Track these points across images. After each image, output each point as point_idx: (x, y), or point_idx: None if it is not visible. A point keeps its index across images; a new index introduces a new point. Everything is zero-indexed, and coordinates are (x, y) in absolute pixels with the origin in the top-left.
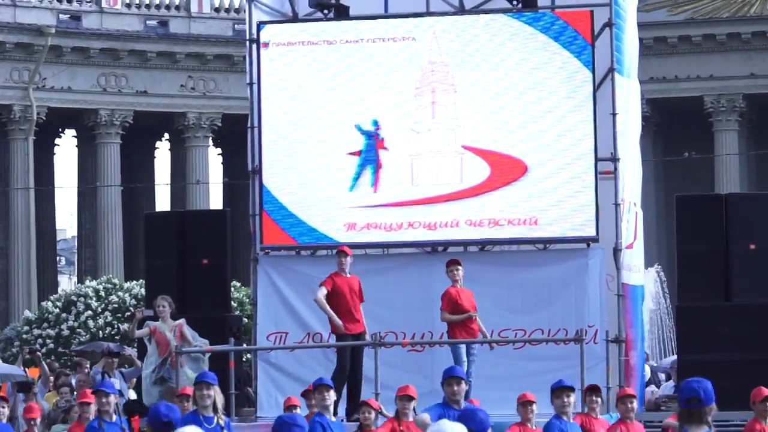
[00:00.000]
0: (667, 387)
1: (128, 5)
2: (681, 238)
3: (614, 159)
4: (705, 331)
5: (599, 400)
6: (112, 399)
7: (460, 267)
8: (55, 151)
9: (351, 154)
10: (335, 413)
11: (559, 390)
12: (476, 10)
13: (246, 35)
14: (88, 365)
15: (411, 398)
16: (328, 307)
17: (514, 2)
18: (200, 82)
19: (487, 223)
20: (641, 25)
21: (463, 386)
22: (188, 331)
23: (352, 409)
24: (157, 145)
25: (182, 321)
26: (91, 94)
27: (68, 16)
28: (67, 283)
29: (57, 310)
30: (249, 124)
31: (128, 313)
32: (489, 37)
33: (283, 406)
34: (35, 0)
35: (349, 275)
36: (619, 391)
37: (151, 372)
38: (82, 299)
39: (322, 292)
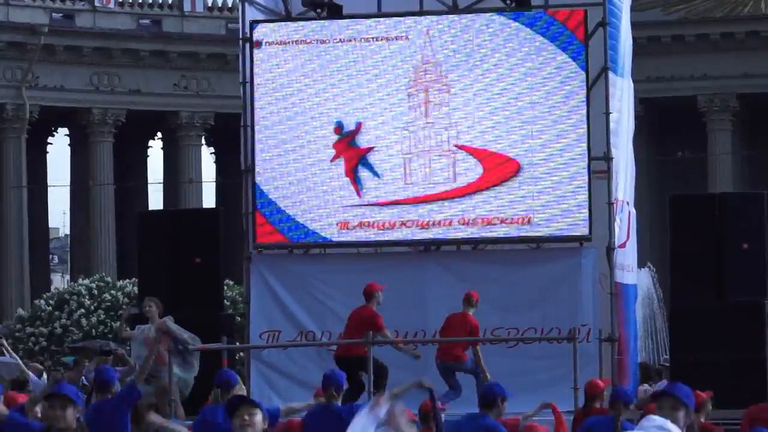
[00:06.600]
0: (660, 386)
1: (121, 4)
2: (674, 238)
3: (607, 158)
4: (698, 330)
5: None
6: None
7: None
8: (48, 150)
9: (344, 152)
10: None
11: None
12: (469, 9)
13: (239, 34)
14: (86, 363)
15: None
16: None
17: (508, 1)
18: (193, 81)
19: (480, 222)
20: (635, 25)
21: None
22: (173, 326)
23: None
24: (150, 144)
25: (166, 318)
26: (83, 93)
27: (61, 15)
28: (60, 281)
29: (50, 308)
30: (242, 123)
31: (120, 312)
32: (482, 36)
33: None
34: None
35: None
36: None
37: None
38: (75, 297)
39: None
